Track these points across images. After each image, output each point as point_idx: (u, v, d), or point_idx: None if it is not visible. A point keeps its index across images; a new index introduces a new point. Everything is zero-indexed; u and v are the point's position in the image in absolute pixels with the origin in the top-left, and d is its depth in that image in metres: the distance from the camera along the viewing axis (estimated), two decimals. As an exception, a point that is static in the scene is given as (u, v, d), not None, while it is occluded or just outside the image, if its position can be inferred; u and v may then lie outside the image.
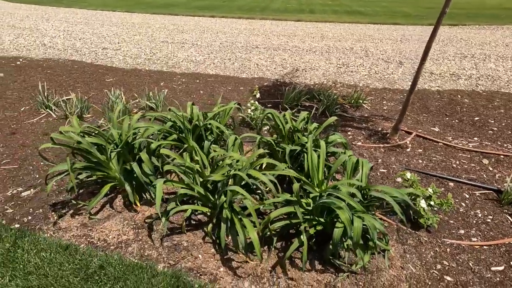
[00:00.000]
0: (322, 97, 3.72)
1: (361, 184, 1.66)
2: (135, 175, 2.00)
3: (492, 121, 3.44)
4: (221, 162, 1.84)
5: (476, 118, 3.51)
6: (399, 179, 2.27)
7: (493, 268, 1.70)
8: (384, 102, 3.93)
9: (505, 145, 2.95)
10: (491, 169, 2.57)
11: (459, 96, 4.15)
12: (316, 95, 3.80)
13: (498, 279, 1.65)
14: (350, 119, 3.42)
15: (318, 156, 1.87)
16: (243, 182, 1.70)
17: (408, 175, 1.88)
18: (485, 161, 2.66)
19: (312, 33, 8.07)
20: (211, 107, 3.66)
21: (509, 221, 2.03)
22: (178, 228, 1.93)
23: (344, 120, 3.37)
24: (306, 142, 2.05)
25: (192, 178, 1.84)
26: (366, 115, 3.56)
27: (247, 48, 6.40)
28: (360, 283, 1.60)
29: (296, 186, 1.56)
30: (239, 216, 1.64)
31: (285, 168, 1.83)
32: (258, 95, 3.30)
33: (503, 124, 3.38)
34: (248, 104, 3.13)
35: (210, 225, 1.82)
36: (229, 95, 4.06)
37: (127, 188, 2.00)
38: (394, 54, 6.08)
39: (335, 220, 1.58)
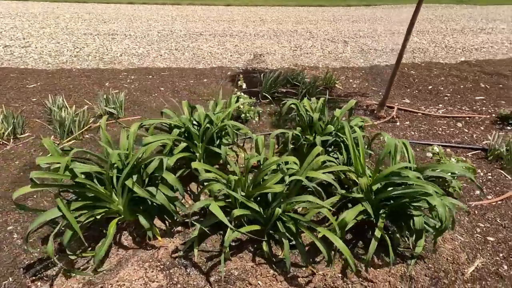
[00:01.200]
0: (296, 81, 3.63)
1: (413, 166, 1.62)
2: (152, 203, 1.57)
3: (442, 88, 3.88)
4: (261, 168, 1.56)
5: (430, 87, 3.90)
6: (428, 154, 2.31)
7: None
8: (350, 81, 4.06)
9: (463, 108, 3.36)
10: (466, 130, 2.88)
11: (405, 68, 4.56)
12: (290, 80, 3.68)
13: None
14: (333, 100, 3.42)
15: (357, 144, 1.75)
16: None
17: (436, 148, 1.92)
18: (459, 125, 2.97)
19: (250, 18, 7.86)
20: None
21: (503, 175, 2.30)
22: (215, 256, 1.61)
23: (328, 102, 3.35)
24: (333, 131, 1.91)
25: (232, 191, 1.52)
26: (342, 94, 3.62)
27: (191, 36, 5.85)
28: (430, 265, 1.59)
29: (364, 180, 1.41)
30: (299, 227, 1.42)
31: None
32: (244, 85, 3.01)
33: (451, 90, 3.84)
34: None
35: (264, 243, 1.55)
36: (196, 89, 3.63)
37: (142, 221, 1.56)
38: (336, 34, 6.35)
39: (407, 209, 1.50)
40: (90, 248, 1.65)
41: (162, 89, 3.63)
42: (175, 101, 3.30)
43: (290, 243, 1.54)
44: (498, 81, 4.11)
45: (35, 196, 1.98)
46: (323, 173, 1.44)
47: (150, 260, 1.59)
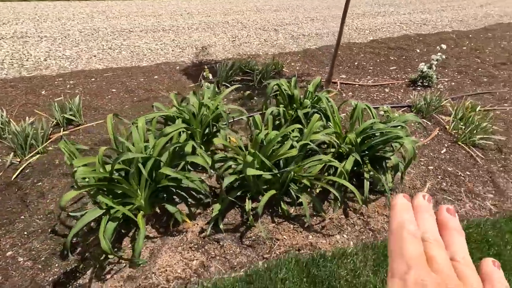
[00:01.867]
0: (248, 69, 3.89)
1: (378, 120, 2.07)
2: (177, 190, 1.65)
3: (365, 63, 4.64)
4: (266, 140, 1.79)
5: (356, 63, 4.62)
6: (381, 112, 2.82)
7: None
8: (292, 64, 4.50)
9: (384, 77, 4.13)
10: (392, 94, 3.60)
11: (332, 49, 5.24)
12: (242, 68, 3.91)
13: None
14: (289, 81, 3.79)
15: (333, 112, 2.12)
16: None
17: (385, 107, 2.44)
18: (386, 90, 3.68)
19: (176, 11, 7.67)
20: (146, 103, 3.15)
21: (425, 122, 3.01)
22: (239, 226, 1.81)
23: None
24: (310, 104, 2.25)
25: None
26: (291, 76, 4.02)
27: (120, 34, 5.47)
28: (399, 192, 2.09)
29: (352, 136, 1.78)
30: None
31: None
32: (210, 76, 3.10)
33: (371, 64, 4.62)
34: (205, 88, 2.91)
35: (282, 203, 1.80)
36: (151, 86, 3.56)
37: (170, 207, 1.63)
38: (265, 23, 6.76)
39: (382, 153, 1.94)
40: (115, 249, 1.65)
41: (113, 90, 3.44)
42: (135, 99, 3.20)
43: (297, 201, 1.84)
44: (401, 53, 5.10)
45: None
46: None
47: (182, 244, 1.69)
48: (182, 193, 1.71)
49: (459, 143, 2.68)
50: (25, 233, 1.73)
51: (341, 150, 1.95)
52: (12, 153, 2.24)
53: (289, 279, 1.46)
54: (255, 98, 3.37)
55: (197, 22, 6.52)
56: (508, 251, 1.70)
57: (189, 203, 1.80)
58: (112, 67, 4.12)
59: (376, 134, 1.89)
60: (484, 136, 2.69)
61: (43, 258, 1.60)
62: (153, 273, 1.56)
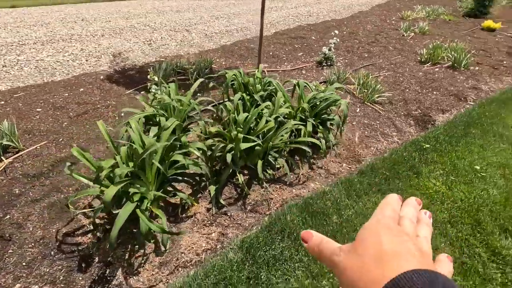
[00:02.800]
0: (180, 69, 4.04)
1: (316, 92, 2.64)
2: (183, 177, 1.82)
3: (277, 53, 5.32)
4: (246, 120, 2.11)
5: (270, 53, 5.26)
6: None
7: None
8: (217, 60, 4.82)
9: (297, 62, 4.88)
10: (309, 74, 4.34)
11: (246, 44, 5.77)
12: (174, 69, 4.01)
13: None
14: (218, 77, 4.09)
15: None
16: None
17: (315, 83, 3.05)
18: (303, 72, 4.41)
19: (65, 18, 6.86)
20: (86, 116, 2.98)
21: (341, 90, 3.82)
22: (237, 198, 2.11)
23: (215, 79, 4.00)
24: (261, 88, 2.66)
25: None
26: (220, 71, 4.34)
27: (9, 48, 4.67)
28: (340, 144, 2.73)
29: (305, 105, 2.28)
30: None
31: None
32: (156, 78, 3.11)
33: (283, 52, 5.34)
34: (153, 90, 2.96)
35: (267, 169, 2.17)
36: (83, 99, 3.34)
37: (181, 194, 1.80)
38: (174, 24, 6.78)
39: (324, 116, 2.51)
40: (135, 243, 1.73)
41: (38, 110, 3.09)
42: (71, 115, 3.00)
43: (276, 165, 2.25)
44: (302, 41, 6.01)
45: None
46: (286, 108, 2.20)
47: (196, 225, 1.90)
48: (187, 178, 1.89)
49: (365, 102, 3.55)
50: (23, 263, 1.61)
51: (296, 119, 2.44)
52: (-46, 193, 1.91)
53: (295, 218, 1.86)
54: (201, 92, 3.58)
55: (99, 29, 6.06)
56: (418, 162, 2.51)
57: (193, 188, 1.99)
58: (20, 86, 3.61)
59: (320, 101, 2.44)
60: (379, 95, 3.64)
61: (61, 278, 1.56)
62: (182, 253, 1.72)
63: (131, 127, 1.70)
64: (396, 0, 11.50)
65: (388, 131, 3.08)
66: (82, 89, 3.60)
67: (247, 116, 2.09)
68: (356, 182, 2.21)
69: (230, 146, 1.97)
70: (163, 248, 1.72)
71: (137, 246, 1.72)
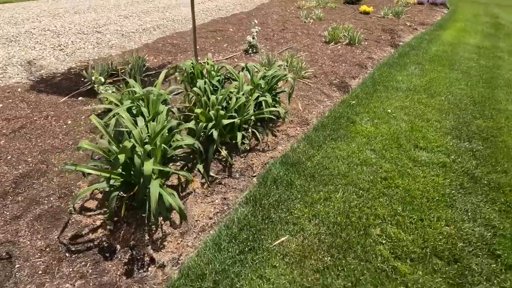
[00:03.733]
0: (113, 70, 3.91)
1: (264, 72, 3.04)
2: (178, 156, 1.99)
3: (204, 46, 5.53)
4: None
5: (198, 47, 5.43)
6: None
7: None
8: (147, 57, 4.75)
9: (226, 52, 5.20)
10: (241, 62, 4.72)
11: (168, 40, 5.77)
12: (108, 71, 3.85)
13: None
14: (155, 74, 4.11)
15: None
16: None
17: (258, 65, 3.46)
18: (236, 60, 4.76)
19: None
20: (25, 130, 2.71)
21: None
22: (223, 169, 2.38)
23: (153, 76, 4.01)
24: (216, 76, 2.93)
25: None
26: (157, 67, 4.34)
27: None
28: (291, 111, 3.23)
29: (262, 82, 2.66)
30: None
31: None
32: (102, 79, 2.97)
33: (209, 45, 5.57)
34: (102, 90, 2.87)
35: (246, 140, 2.48)
36: (17, 113, 2.99)
37: (184, 173, 1.97)
38: (79, 27, 6.18)
39: (276, 90, 2.95)
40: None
41: (-43, 133, 2.63)
42: (5, 131, 2.69)
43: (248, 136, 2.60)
44: (222, 34, 6.33)
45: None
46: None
47: (198, 198, 2.12)
48: (180, 159, 2.04)
49: (297, 79, 4.16)
50: (40, 272, 1.56)
51: (255, 95, 2.80)
52: None
53: (280, 170, 2.26)
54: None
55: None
56: (351, 114, 3.19)
57: (184, 168, 2.15)
58: None
59: (272, 78, 2.86)
60: (305, 71, 4.30)
61: (90, 271, 1.58)
62: (196, 221, 1.92)
63: (118, 118, 1.77)
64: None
65: (321, 98, 3.73)
66: (1, 105, 3.15)
67: (217, 96, 2.35)
68: (314, 137, 2.73)
69: (211, 124, 2.21)
70: (177, 222, 1.89)
71: (153, 226, 1.84)
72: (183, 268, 1.61)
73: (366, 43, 6.07)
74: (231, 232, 1.79)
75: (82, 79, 3.83)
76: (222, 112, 2.12)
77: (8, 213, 1.87)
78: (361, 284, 1.55)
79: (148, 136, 1.84)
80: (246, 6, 9.58)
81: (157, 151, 1.72)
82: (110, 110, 2.96)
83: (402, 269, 1.63)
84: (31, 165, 2.29)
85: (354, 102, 3.40)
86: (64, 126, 2.84)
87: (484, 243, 1.81)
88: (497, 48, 5.95)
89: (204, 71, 2.95)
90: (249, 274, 1.57)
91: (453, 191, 2.19)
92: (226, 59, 4.80)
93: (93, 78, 3.01)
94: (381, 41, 6.31)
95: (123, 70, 3.84)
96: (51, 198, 2.01)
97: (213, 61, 4.61)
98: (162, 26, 6.72)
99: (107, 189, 1.75)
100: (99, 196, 2.04)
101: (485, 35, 7.05)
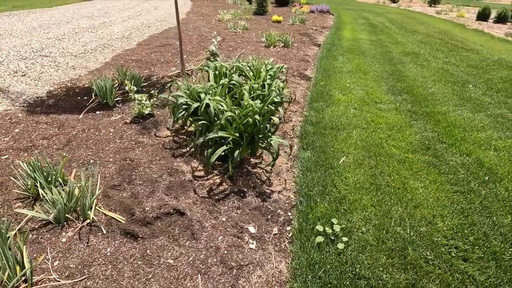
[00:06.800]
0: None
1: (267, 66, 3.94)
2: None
3: (167, 59, 5.96)
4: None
5: (161, 60, 5.84)
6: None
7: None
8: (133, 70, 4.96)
9: (193, 61, 5.79)
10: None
11: (132, 56, 5.96)
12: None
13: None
14: (148, 85, 4.47)
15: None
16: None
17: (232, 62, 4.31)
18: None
19: None
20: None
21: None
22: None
23: (147, 87, 4.38)
24: (230, 75, 3.69)
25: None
26: (143, 81, 4.67)
27: None
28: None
29: (271, 72, 3.58)
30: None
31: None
32: (135, 88, 3.26)
33: (171, 57, 6.04)
34: (137, 98, 3.21)
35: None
36: (32, 137, 3.03)
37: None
38: (18, 52, 5.67)
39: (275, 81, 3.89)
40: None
41: None
42: None
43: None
44: (173, 47, 6.82)
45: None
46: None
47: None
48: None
49: (267, 74, 5.16)
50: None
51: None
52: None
53: (311, 129, 3.22)
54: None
55: None
56: (327, 89, 4.37)
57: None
58: None
59: (276, 69, 3.79)
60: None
61: (240, 205, 2.21)
62: (279, 166, 2.70)
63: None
64: (196, 7, 13.80)
65: (296, 84, 4.83)
66: (17, 130, 3.11)
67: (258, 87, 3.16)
68: (315, 107, 3.79)
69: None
70: (268, 169, 2.63)
71: (265, 170, 2.54)
72: (294, 190, 2.40)
73: (296, 44, 7.56)
74: (305, 163, 2.66)
75: (79, 97, 3.95)
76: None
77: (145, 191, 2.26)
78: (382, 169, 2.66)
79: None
80: (170, 21, 10.09)
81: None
82: (140, 117, 3.38)
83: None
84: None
85: (324, 83, 4.64)
86: (111, 134, 3.10)
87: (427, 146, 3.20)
88: (381, 40, 8.34)
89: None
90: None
91: (407, 120, 3.59)
92: (198, 67, 5.44)
93: (126, 88, 3.32)
94: (306, 42, 7.93)
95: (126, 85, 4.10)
96: (165, 176, 2.45)
97: (191, 69, 5.21)
98: (107, 45, 6.73)
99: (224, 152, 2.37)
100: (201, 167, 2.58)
101: (369, 32, 9.59)
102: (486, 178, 2.60)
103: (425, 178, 2.58)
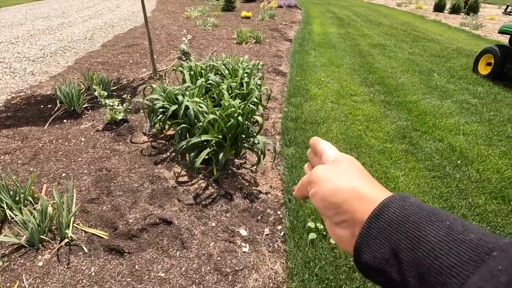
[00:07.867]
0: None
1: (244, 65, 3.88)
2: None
3: (135, 60, 5.70)
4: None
5: (130, 61, 5.57)
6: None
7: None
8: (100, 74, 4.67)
9: (164, 61, 5.57)
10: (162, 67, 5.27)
11: (98, 59, 5.62)
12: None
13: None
14: (119, 88, 4.24)
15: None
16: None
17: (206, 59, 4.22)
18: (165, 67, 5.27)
19: None
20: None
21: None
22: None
23: (117, 90, 4.16)
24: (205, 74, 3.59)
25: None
26: (113, 84, 4.42)
27: None
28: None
29: (247, 70, 3.52)
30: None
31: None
32: (105, 93, 3.04)
33: (139, 58, 5.78)
34: (109, 103, 3.02)
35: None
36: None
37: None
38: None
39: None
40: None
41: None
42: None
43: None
44: (141, 47, 6.54)
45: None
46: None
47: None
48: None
49: (242, 72, 5.10)
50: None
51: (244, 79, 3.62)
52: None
53: (292, 125, 3.21)
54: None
55: None
56: (303, 84, 4.40)
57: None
58: None
59: (252, 66, 3.74)
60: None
61: (228, 208, 2.16)
62: (264, 165, 2.67)
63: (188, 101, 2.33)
64: (161, 4, 13.35)
65: (272, 80, 4.82)
66: (-25, 145, 2.82)
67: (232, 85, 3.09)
68: (293, 102, 3.79)
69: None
70: (253, 169, 2.59)
71: (248, 172, 2.49)
72: (282, 188, 2.39)
73: (268, 40, 7.54)
74: (289, 160, 2.66)
75: (42, 106, 3.66)
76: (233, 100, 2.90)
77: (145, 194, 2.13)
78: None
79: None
80: (135, 20, 9.67)
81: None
82: (113, 123, 3.21)
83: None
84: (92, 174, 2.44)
85: (299, 78, 4.66)
86: (83, 143, 2.90)
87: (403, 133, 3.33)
88: (350, 33, 8.56)
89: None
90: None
91: (381, 110, 3.70)
92: (170, 67, 5.25)
93: (95, 93, 3.10)
94: (277, 38, 7.94)
95: (94, 89, 3.85)
96: (146, 185, 2.33)
97: (162, 70, 5.01)
98: (68, 47, 6.30)
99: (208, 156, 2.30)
100: (183, 172, 2.49)
101: (337, 25, 9.80)
102: (459, 162, 2.75)
103: (404, 166, 2.67)
